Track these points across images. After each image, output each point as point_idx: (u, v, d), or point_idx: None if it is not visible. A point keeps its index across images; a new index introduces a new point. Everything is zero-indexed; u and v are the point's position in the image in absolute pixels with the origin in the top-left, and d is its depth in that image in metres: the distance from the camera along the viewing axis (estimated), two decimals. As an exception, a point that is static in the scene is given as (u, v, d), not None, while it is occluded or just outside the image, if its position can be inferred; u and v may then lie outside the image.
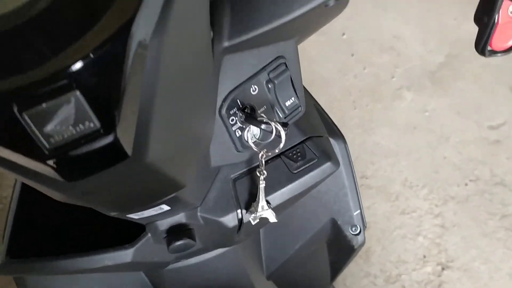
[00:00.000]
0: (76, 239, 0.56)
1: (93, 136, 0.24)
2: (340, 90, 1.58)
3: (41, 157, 0.24)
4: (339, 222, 0.66)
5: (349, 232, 0.66)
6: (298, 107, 0.52)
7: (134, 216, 0.44)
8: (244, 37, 0.44)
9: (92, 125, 0.23)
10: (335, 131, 0.65)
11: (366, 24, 1.73)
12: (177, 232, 0.52)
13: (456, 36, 1.67)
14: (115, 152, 0.25)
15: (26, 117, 0.22)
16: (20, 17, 0.22)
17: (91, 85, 0.22)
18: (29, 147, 0.23)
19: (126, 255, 0.52)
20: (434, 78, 1.61)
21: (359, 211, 0.66)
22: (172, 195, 0.39)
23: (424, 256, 1.25)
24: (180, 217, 0.52)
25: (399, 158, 1.44)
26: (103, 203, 0.34)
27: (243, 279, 0.66)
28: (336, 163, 0.55)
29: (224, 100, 0.47)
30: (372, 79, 1.61)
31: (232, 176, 0.54)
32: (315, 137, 0.56)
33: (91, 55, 0.22)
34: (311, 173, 0.54)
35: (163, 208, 0.43)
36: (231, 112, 0.47)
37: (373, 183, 1.38)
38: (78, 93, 0.22)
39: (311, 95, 0.67)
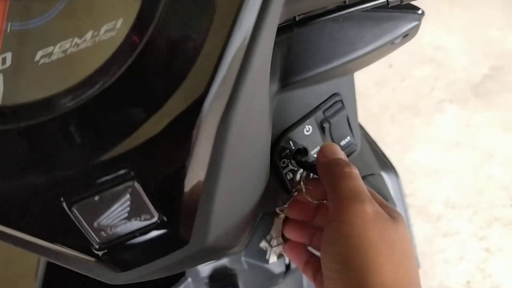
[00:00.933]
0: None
1: (149, 228, 0.20)
2: (377, 104, 1.53)
3: (89, 251, 0.21)
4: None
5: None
6: (353, 146, 0.48)
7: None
8: (301, 77, 0.40)
9: (149, 217, 0.20)
10: (386, 164, 0.60)
11: (405, 35, 1.67)
12: (220, 278, 0.48)
13: (501, 47, 1.60)
14: (172, 241, 0.21)
15: (76, 211, 0.19)
16: (72, 104, 0.18)
17: (151, 173, 0.19)
18: (77, 241, 0.20)
19: (166, 300, 0.49)
20: (478, 91, 1.54)
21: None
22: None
23: (468, 282, 1.19)
24: (223, 261, 0.48)
25: (440, 176, 1.37)
26: (149, 277, 0.31)
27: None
28: (392, 205, 0.51)
29: (275, 142, 0.43)
30: (411, 92, 1.55)
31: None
32: (369, 176, 0.52)
33: (155, 143, 0.18)
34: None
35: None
36: (283, 154, 0.44)
37: (413, 203, 1.32)
38: (136, 183, 0.19)
39: (360, 124, 0.63)
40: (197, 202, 0.21)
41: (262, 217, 0.51)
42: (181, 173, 0.19)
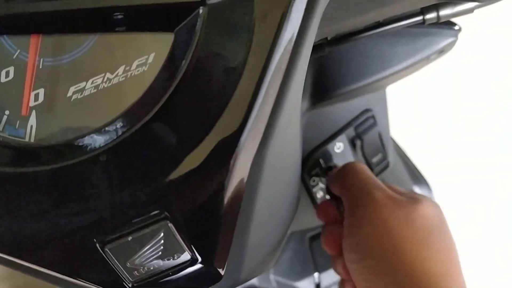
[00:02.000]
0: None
1: (182, 266, 0.20)
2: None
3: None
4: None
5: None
6: (385, 163, 0.46)
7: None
8: (332, 94, 0.39)
9: (182, 255, 0.19)
10: (418, 178, 0.59)
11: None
12: (248, 296, 0.48)
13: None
14: (206, 278, 0.21)
15: (109, 251, 0.19)
16: (106, 143, 0.18)
17: (185, 213, 0.18)
18: (110, 281, 0.20)
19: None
20: None
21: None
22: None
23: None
24: (253, 283, 0.48)
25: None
26: None
27: None
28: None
29: (305, 161, 0.42)
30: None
31: (308, 235, 0.49)
32: (401, 192, 0.50)
33: (187, 183, 0.18)
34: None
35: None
36: (313, 172, 0.43)
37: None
38: (169, 224, 0.18)
39: (392, 138, 0.61)
40: (231, 239, 0.20)
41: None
42: (214, 210, 0.19)
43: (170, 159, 0.18)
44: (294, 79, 0.20)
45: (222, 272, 0.21)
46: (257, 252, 0.25)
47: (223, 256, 0.21)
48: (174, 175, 0.18)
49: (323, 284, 0.48)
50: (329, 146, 0.42)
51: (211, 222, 0.19)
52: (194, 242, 0.19)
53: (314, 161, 0.42)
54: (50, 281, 0.21)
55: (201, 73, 0.18)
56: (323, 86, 0.39)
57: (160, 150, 0.18)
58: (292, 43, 0.19)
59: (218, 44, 0.18)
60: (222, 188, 0.19)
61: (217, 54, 0.18)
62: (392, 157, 0.47)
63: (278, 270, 0.48)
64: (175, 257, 0.19)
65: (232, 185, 0.19)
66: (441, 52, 0.38)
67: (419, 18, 0.32)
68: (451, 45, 0.39)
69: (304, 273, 0.48)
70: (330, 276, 0.48)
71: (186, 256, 0.20)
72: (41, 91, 0.19)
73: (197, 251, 0.20)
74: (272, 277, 0.49)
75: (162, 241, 0.19)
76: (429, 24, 0.35)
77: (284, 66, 0.19)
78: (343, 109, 0.43)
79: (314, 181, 0.43)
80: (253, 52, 0.18)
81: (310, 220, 0.45)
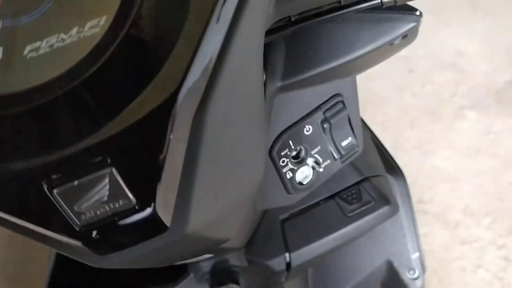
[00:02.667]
0: (116, 278, 0.54)
1: (128, 212, 0.21)
2: (397, 109, 1.52)
3: (71, 233, 0.22)
4: (395, 265, 0.62)
5: (406, 276, 0.62)
6: (355, 147, 0.48)
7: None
8: (300, 77, 0.40)
9: (127, 202, 0.21)
10: (393, 168, 0.61)
11: (426, 40, 1.66)
12: (221, 274, 0.49)
13: (524, 53, 1.57)
14: (152, 226, 0.22)
15: (56, 195, 0.20)
16: (53, 91, 0.20)
17: (128, 161, 0.20)
18: (59, 224, 0.21)
19: (168, 294, 0.50)
20: (500, 98, 1.51)
21: (418, 253, 0.61)
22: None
23: (486, 291, 1.17)
24: (224, 261, 0.49)
25: (460, 183, 1.36)
26: (137, 264, 0.31)
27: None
28: (395, 207, 0.51)
29: (275, 141, 0.44)
30: (432, 97, 1.54)
31: (281, 217, 0.51)
32: (372, 177, 0.52)
33: (131, 129, 0.19)
34: (367, 217, 0.50)
35: (205, 256, 0.41)
36: (282, 153, 0.44)
37: (431, 209, 1.31)
38: (113, 170, 0.20)
39: (368, 126, 0.63)
40: (175, 190, 0.22)
41: (265, 217, 0.51)
42: (156, 159, 0.20)
43: (113, 108, 0.20)
44: (237, 40, 0.21)
45: (167, 223, 0.23)
46: (206, 207, 0.27)
47: (167, 206, 0.22)
48: (116, 124, 0.20)
49: (294, 264, 0.50)
50: (298, 128, 0.44)
51: (153, 170, 0.21)
52: (138, 189, 0.21)
53: (283, 142, 0.44)
54: (7, 227, 0.22)
55: (142, 32, 0.20)
56: (292, 69, 0.41)
57: (103, 100, 0.20)
58: (235, 5, 0.20)
59: (161, 5, 0.20)
60: (163, 137, 0.20)
61: (158, 16, 0.20)
62: (361, 142, 0.48)
63: (251, 249, 0.50)
64: (120, 203, 0.21)
65: (174, 138, 0.21)
66: (405, 37, 0.40)
67: (378, 0, 0.33)
68: (413, 31, 0.40)
69: (275, 253, 0.50)
70: (301, 256, 0.50)
71: (130, 202, 0.21)
72: (0, 50, 0.20)
73: (141, 199, 0.21)
74: (245, 256, 0.50)
75: (107, 187, 0.21)
76: (391, 9, 0.37)
77: (227, 20, 0.20)
78: (313, 94, 0.45)
79: (283, 162, 0.45)
80: (193, 13, 0.20)
81: (281, 199, 0.47)
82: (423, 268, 0.61)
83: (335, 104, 0.45)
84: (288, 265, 0.50)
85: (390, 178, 0.58)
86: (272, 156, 0.44)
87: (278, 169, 0.45)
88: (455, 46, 1.62)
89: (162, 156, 0.20)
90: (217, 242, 0.32)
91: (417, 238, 0.61)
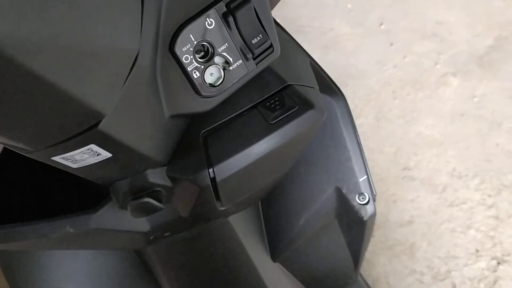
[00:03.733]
0: (43, 208, 0.53)
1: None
2: (379, 81, 1.50)
3: None
4: (344, 191, 0.59)
5: (356, 201, 0.59)
6: (269, 47, 0.46)
7: (67, 161, 0.39)
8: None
9: None
10: (332, 88, 0.58)
11: (405, 13, 1.64)
12: (141, 194, 0.47)
13: (505, 18, 1.55)
14: None
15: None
16: None
17: None
18: None
19: (89, 220, 0.48)
20: (483, 62, 1.48)
21: (365, 176, 0.58)
22: (93, 128, 0.34)
23: (477, 251, 1.13)
24: (142, 178, 0.47)
25: (445, 147, 1.32)
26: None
27: (240, 257, 0.60)
28: (320, 112, 0.48)
29: (174, 36, 0.42)
30: (414, 68, 1.51)
31: (203, 131, 0.49)
32: (297, 85, 0.50)
33: None
34: (291, 123, 0.47)
35: (99, 152, 0.38)
36: (184, 49, 0.42)
37: (417, 175, 1.27)
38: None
39: (306, 52, 0.61)
40: None
41: (187, 133, 0.49)
42: None
43: None
44: None
45: None
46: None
47: None
48: None
49: (218, 178, 0.47)
50: (198, 21, 0.42)
51: None
52: None
53: (183, 37, 0.42)
54: None
55: None
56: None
57: None
58: None
59: None
60: None
61: None
62: (276, 41, 0.46)
63: (172, 167, 0.48)
64: None
65: None
66: None
67: None
68: None
69: (197, 168, 0.47)
70: (225, 169, 0.47)
71: None
72: None
73: None
74: (166, 174, 0.48)
75: None
76: None
77: None
78: (212, -16, 0.43)
79: (187, 59, 0.43)
80: None
81: (193, 103, 0.45)
82: (372, 193, 0.58)
83: (237, -5, 0.43)
84: (213, 180, 0.48)
85: (328, 98, 0.56)
86: (174, 52, 0.42)
87: (182, 68, 0.43)
88: (434, 17, 1.60)
89: None
90: (70, 100, 0.29)
91: (364, 160, 0.58)
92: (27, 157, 0.39)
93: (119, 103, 0.35)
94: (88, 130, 0.34)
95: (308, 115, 0.47)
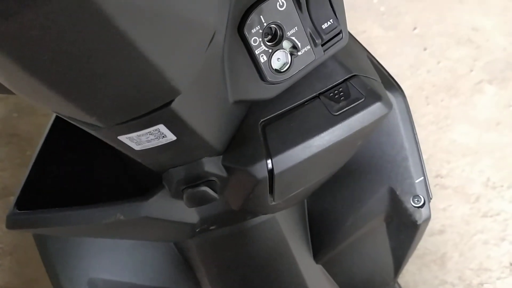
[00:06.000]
0: (93, 194, 0.50)
1: None
2: (412, 86, 1.47)
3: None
4: (397, 192, 0.56)
5: (411, 204, 0.56)
6: (338, 33, 0.43)
7: (131, 142, 0.37)
8: None
9: None
10: (391, 83, 0.55)
11: (440, 17, 1.61)
12: (196, 183, 0.45)
13: (544, 26, 1.51)
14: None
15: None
16: None
17: None
18: None
19: (140, 208, 0.46)
20: (519, 71, 1.45)
21: (422, 178, 0.55)
22: (166, 107, 0.32)
23: (511, 264, 1.09)
24: (198, 166, 0.45)
25: (479, 156, 1.29)
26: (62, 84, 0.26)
27: (284, 256, 0.57)
28: (388, 104, 0.46)
29: (244, 16, 0.39)
30: (448, 73, 1.48)
31: (261, 120, 0.46)
32: (362, 76, 0.47)
33: None
34: (357, 115, 0.45)
35: (164, 134, 0.36)
36: (253, 31, 0.40)
37: (449, 183, 1.24)
38: None
39: (363, 46, 0.58)
40: None
41: (244, 122, 0.47)
42: None
43: None
44: None
45: None
46: None
47: None
48: None
49: (276, 170, 0.45)
50: (270, 2, 0.40)
51: None
52: None
53: (254, 17, 0.39)
54: None
55: None
56: None
57: None
58: None
59: None
60: None
61: None
62: (346, 29, 0.44)
63: (228, 156, 0.45)
64: None
65: None
66: None
67: None
68: None
69: (255, 158, 0.45)
70: (284, 161, 0.45)
71: None
72: None
73: None
74: (221, 163, 0.46)
75: None
76: None
77: None
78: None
79: (255, 41, 0.40)
80: None
81: (256, 89, 0.43)
82: (429, 195, 0.55)
83: (311, -23, 0.41)
84: (271, 172, 0.45)
85: (387, 92, 0.53)
86: (242, 33, 0.40)
87: (250, 51, 0.41)
88: (470, 22, 1.56)
89: None
90: (155, 74, 0.27)
91: (421, 161, 0.55)
92: (72, 140, 0.36)
93: (192, 82, 0.32)
94: (160, 108, 0.32)
95: (375, 108, 0.45)
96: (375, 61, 0.57)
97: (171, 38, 0.27)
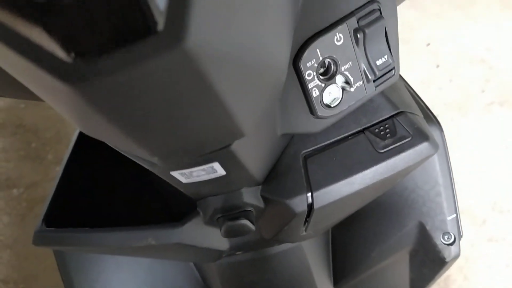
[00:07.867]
0: (122, 214, 0.49)
1: None
2: (423, 102, 1.46)
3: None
4: (428, 227, 0.55)
5: (441, 240, 0.55)
6: (391, 69, 0.42)
7: (182, 176, 0.35)
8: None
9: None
10: (429, 116, 0.54)
11: (454, 35, 1.60)
12: (233, 212, 0.43)
13: (557, 51, 1.50)
14: (136, 21, 0.16)
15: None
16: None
17: None
18: None
19: (172, 234, 0.44)
20: (531, 95, 1.44)
21: (454, 215, 0.54)
22: (226, 147, 0.30)
23: (515, 291, 1.09)
24: (237, 196, 0.43)
25: (487, 179, 1.28)
26: (131, 129, 0.25)
27: (306, 283, 0.56)
28: (435, 145, 0.44)
29: (300, 49, 0.38)
30: (459, 92, 1.47)
31: (303, 152, 0.45)
32: (409, 113, 0.46)
33: None
34: (403, 154, 0.43)
35: (216, 170, 0.34)
36: (308, 64, 0.38)
37: (457, 204, 1.23)
38: None
39: (400, 75, 0.57)
40: None
41: (285, 152, 0.45)
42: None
43: None
44: None
45: (159, 20, 0.17)
46: (212, 22, 0.20)
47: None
48: None
49: (316, 205, 0.43)
50: (328, 35, 0.38)
51: None
52: None
53: (310, 50, 0.38)
54: None
55: None
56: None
57: None
58: None
59: None
60: None
61: None
62: (398, 66, 0.42)
63: (267, 186, 0.44)
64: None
65: None
66: None
67: None
68: None
69: (295, 191, 0.43)
70: (325, 196, 0.43)
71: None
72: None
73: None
74: (260, 194, 0.44)
75: None
76: None
77: None
78: (346, -3, 0.39)
79: (309, 75, 0.39)
80: None
81: (305, 123, 0.41)
82: (460, 233, 0.54)
83: (371, 11, 0.39)
84: (310, 206, 0.44)
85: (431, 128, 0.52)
86: (297, 66, 0.38)
87: (303, 84, 0.39)
88: (484, 42, 1.56)
89: None
90: (229, 122, 0.26)
91: (454, 197, 0.54)
92: (99, 153, 0.35)
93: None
94: (221, 149, 0.30)
95: (422, 148, 0.43)
96: (412, 91, 0.56)
97: (253, 86, 0.25)
